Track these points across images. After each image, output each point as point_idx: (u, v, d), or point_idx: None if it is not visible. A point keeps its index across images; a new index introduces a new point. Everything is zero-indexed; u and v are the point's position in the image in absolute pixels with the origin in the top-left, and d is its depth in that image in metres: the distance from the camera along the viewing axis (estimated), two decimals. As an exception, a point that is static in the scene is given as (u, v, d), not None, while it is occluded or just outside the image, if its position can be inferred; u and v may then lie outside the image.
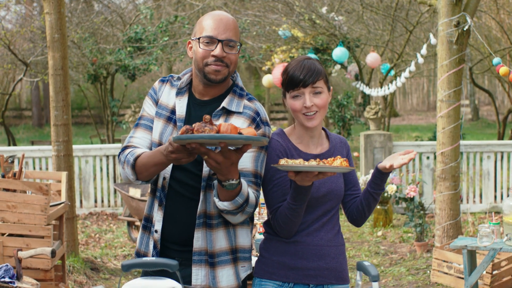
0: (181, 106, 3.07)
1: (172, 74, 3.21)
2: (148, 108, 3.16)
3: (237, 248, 3.08)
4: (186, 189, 3.03)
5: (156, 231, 3.06)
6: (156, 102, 3.14)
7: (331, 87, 3.14)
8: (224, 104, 3.02)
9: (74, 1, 16.29)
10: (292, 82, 3.03)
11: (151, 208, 3.14)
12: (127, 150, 3.06)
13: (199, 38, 2.99)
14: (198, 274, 3.01)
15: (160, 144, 3.05)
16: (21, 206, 5.20)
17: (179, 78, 3.15)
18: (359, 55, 14.86)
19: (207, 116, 2.64)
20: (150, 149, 3.09)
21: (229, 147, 2.71)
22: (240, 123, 3.00)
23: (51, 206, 5.62)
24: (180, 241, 3.05)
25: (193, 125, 2.63)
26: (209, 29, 2.98)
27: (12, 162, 5.64)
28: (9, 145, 14.71)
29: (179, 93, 3.10)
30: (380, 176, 3.04)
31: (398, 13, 13.11)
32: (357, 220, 3.20)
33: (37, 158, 10.75)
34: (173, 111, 3.08)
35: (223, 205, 2.86)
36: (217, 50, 2.96)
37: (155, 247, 3.07)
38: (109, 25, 14.70)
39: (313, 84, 3.01)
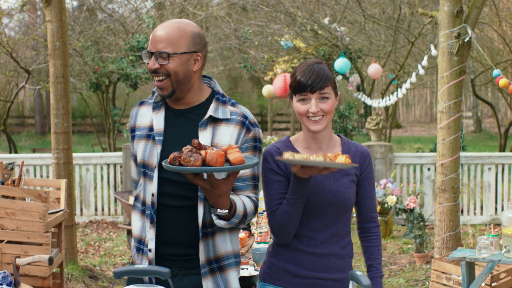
0: (158, 120, 3.01)
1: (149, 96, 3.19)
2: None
3: (235, 252, 3.05)
4: (180, 201, 2.95)
5: (150, 250, 2.97)
6: (132, 130, 3.12)
7: (339, 92, 3.09)
8: (210, 112, 2.96)
9: (77, 9, 16.35)
10: (299, 86, 2.97)
11: (141, 228, 3.04)
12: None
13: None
14: (208, 285, 2.96)
15: (145, 164, 3.00)
16: (19, 213, 5.21)
17: (153, 93, 3.10)
18: (361, 66, 14.88)
19: (195, 141, 2.63)
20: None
21: (217, 176, 2.71)
22: (230, 131, 2.95)
23: (50, 213, 5.63)
24: (177, 252, 2.97)
25: (182, 150, 2.63)
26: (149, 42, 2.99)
27: (12, 169, 5.65)
28: (10, 152, 14.72)
29: (155, 107, 3.05)
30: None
31: (400, 24, 13.13)
32: None
33: (38, 166, 10.77)
34: (150, 128, 3.02)
35: (219, 223, 2.82)
36: (150, 63, 2.95)
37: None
38: (111, 33, 14.75)
39: (321, 90, 2.95)
